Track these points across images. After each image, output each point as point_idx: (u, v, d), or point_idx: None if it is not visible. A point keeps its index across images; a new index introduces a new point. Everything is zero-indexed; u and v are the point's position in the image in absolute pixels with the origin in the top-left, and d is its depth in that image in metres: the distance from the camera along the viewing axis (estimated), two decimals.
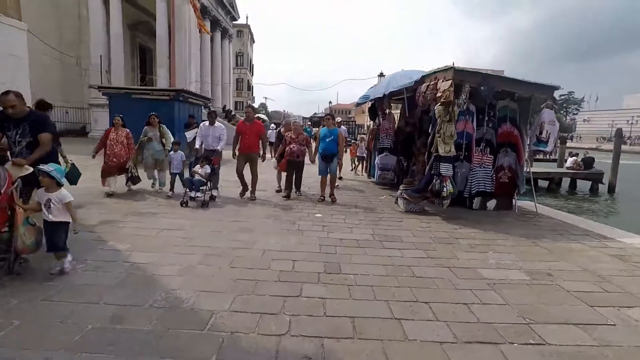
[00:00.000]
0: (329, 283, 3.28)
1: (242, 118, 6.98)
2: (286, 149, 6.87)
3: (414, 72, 7.34)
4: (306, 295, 3.01)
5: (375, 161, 9.25)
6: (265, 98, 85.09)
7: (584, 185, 16.31)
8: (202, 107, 16.54)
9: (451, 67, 5.78)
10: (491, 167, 6.61)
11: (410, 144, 8.45)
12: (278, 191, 7.50)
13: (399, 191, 6.60)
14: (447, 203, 5.99)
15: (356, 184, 9.33)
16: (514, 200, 6.89)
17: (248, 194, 6.77)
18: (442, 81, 5.85)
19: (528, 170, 7.01)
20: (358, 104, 10.97)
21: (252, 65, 56.45)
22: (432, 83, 6.17)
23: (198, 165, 6.16)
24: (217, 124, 6.71)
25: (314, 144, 7.63)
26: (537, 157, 7.63)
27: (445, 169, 5.90)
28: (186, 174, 6.50)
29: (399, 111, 9.59)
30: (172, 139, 6.99)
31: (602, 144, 48.17)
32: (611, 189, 15.38)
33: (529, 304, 3.05)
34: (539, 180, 15.08)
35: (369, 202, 7.10)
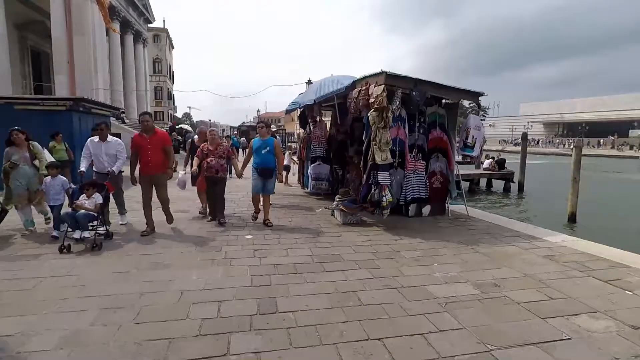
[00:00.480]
0: (264, 328, 2.69)
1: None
2: (202, 163, 5.80)
3: (345, 78, 7.09)
4: (236, 352, 2.38)
5: (309, 171, 8.83)
6: (190, 107, 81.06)
7: (498, 185, 17.77)
8: (113, 118, 14.76)
9: (383, 72, 5.59)
10: (424, 173, 6.59)
11: (344, 152, 8.19)
12: (202, 212, 6.59)
13: (335, 202, 6.24)
14: (387, 213, 5.77)
15: (289, 196, 8.77)
16: (446, 204, 6.95)
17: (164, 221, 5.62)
18: (374, 86, 5.62)
19: (457, 174, 7.15)
20: (287, 111, 10.50)
21: (172, 72, 53.11)
22: (363, 88, 5.92)
23: (83, 195, 4.72)
24: (111, 138, 5.51)
25: (240, 155, 6.88)
26: (466, 160, 7.87)
27: (383, 177, 5.67)
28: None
29: (330, 118, 9.30)
30: (48, 160, 5.48)
31: (505, 146, 54.19)
32: (521, 187, 16.95)
33: (485, 324, 2.83)
34: (461, 182, 16.01)
35: (304, 216, 6.62)
